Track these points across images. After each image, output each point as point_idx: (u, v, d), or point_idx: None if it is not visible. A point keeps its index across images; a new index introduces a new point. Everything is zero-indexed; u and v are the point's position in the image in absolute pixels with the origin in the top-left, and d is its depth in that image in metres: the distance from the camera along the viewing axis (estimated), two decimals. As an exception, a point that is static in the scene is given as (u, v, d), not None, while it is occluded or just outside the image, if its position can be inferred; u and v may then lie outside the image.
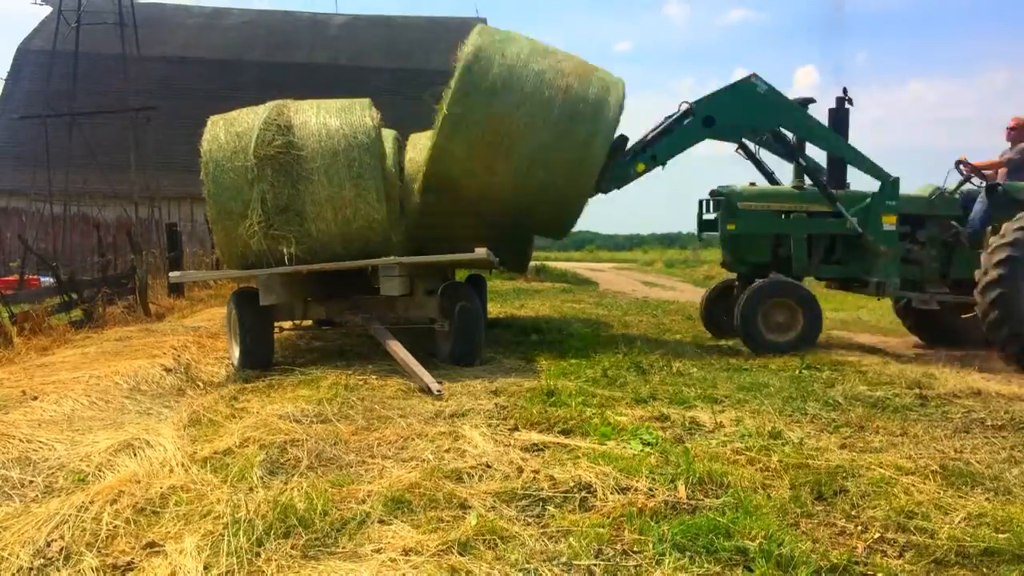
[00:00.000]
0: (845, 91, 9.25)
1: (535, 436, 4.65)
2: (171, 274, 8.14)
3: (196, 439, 4.79)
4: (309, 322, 10.08)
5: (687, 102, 8.72)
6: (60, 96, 23.05)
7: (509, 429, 4.85)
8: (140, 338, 9.29)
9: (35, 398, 5.89)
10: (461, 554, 3.04)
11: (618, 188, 8.92)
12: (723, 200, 9.18)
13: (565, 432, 4.76)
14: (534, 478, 3.87)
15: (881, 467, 4.07)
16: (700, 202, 9.63)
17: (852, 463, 4.14)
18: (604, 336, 9.43)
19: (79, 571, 2.98)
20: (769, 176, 9.50)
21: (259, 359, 7.27)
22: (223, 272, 9.67)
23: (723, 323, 9.67)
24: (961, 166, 9.03)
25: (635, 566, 2.96)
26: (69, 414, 5.53)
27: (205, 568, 2.94)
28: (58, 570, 3.00)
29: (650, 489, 3.68)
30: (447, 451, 4.37)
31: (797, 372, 7.13)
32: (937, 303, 8.89)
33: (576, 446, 4.41)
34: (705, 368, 7.29)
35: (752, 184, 9.45)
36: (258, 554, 3.05)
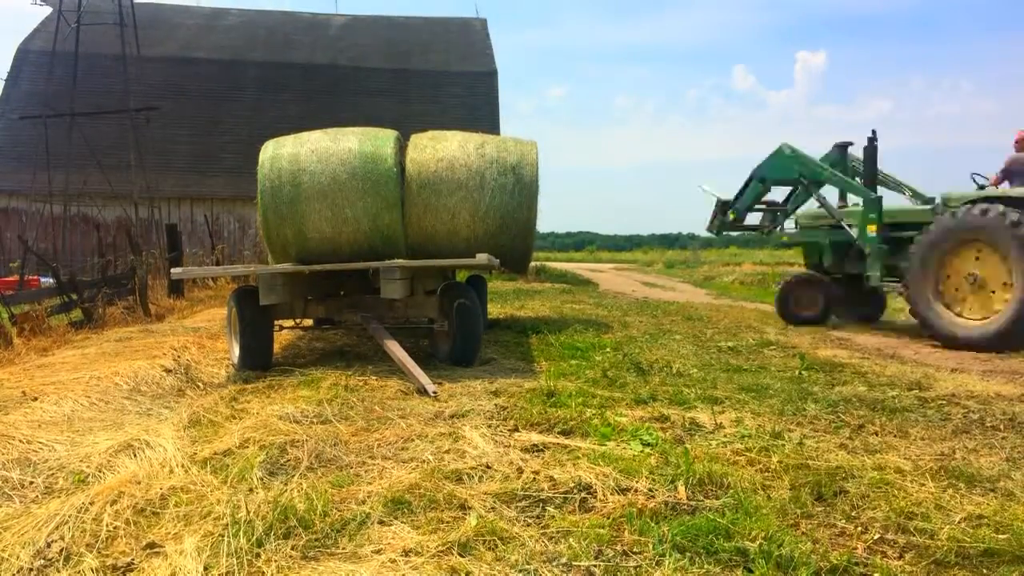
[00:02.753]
0: (873, 133, 11.55)
1: (535, 437, 4.66)
2: (173, 270, 8.22)
3: (196, 440, 4.79)
4: (309, 322, 10.08)
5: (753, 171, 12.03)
6: (60, 96, 23.05)
7: (509, 430, 4.85)
8: (140, 339, 9.30)
9: (35, 399, 5.89)
10: (461, 555, 3.04)
11: (725, 231, 12.76)
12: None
13: (565, 433, 4.77)
14: (534, 479, 3.87)
15: (881, 468, 4.07)
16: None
17: (852, 464, 4.14)
18: (604, 337, 9.42)
19: (79, 572, 2.98)
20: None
21: (259, 358, 7.27)
22: (225, 269, 9.69)
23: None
24: (977, 178, 10.49)
25: (635, 567, 2.96)
26: (69, 415, 5.53)
27: (205, 569, 2.94)
28: (58, 571, 3.00)
29: (650, 490, 3.68)
30: (447, 452, 4.37)
31: (797, 373, 7.13)
32: None
33: (576, 447, 4.41)
34: (705, 369, 7.29)
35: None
36: (258, 555, 3.05)
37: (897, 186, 11.82)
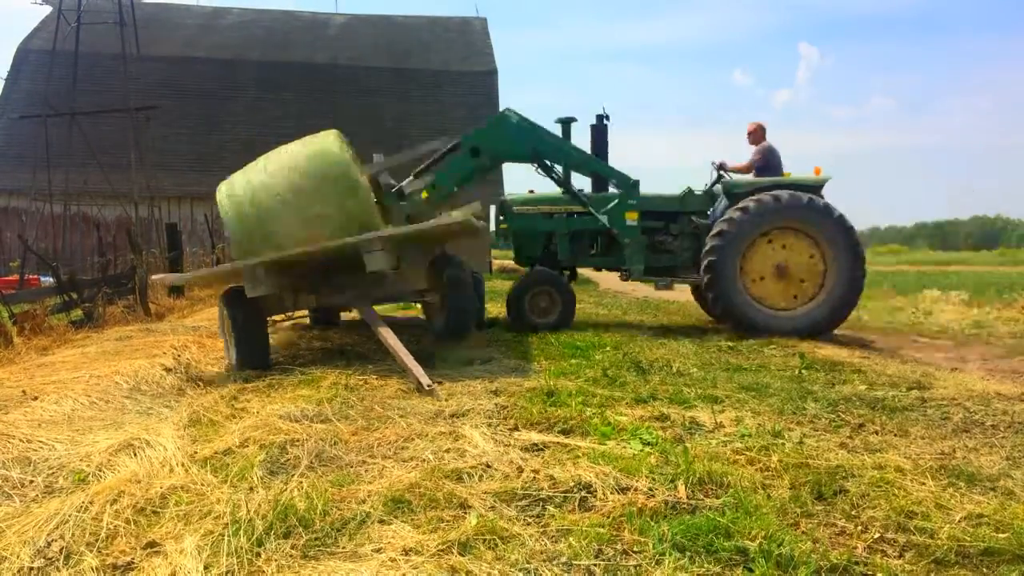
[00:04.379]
0: (604, 110, 10.89)
1: (535, 436, 4.65)
2: (153, 277, 8.11)
3: (196, 439, 4.79)
4: (307, 321, 10.05)
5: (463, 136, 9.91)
6: (60, 95, 23.05)
7: (509, 429, 4.85)
8: (140, 338, 9.30)
9: (35, 398, 5.89)
10: (461, 554, 3.04)
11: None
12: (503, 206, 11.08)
13: (565, 432, 4.76)
14: (534, 478, 3.87)
15: (881, 467, 4.07)
16: (497, 210, 11.29)
17: (852, 463, 4.14)
18: (604, 336, 9.42)
19: (79, 571, 2.98)
20: (562, 184, 10.58)
21: (256, 358, 7.20)
22: (206, 271, 9.67)
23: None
24: (716, 166, 10.53)
25: (635, 566, 2.96)
26: (69, 414, 5.52)
27: (205, 568, 2.94)
28: (58, 570, 3.00)
29: (650, 489, 3.68)
30: (447, 451, 4.37)
31: (797, 372, 7.13)
32: (689, 286, 11.10)
33: (576, 446, 4.41)
34: (705, 368, 7.29)
35: (531, 191, 11.25)
36: (258, 554, 3.05)
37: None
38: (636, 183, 10.32)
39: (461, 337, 7.17)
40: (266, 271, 7.18)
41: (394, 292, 8.16)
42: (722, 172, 10.54)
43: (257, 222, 7.66)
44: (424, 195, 9.51)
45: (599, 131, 10.87)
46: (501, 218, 11.13)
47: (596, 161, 10.55)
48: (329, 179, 7.73)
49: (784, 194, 9.72)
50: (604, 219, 10.32)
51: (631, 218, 10.27)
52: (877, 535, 3.25)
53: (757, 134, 10.76)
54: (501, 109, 10.35)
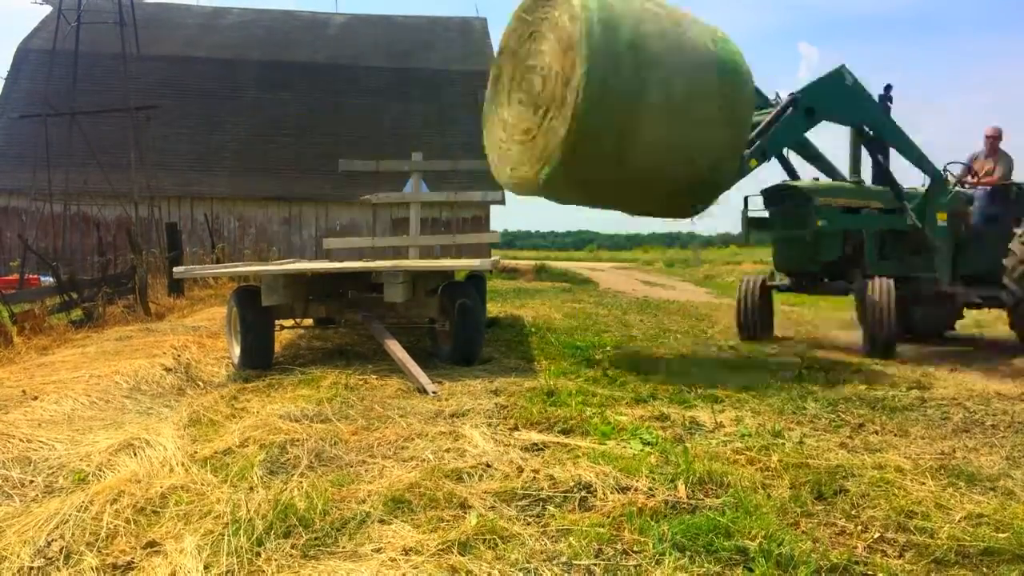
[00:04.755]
0: (887, 88, 8.96)
1: (535, 436, 4.66)
2: (176, 269, 8.15)
3: (196, 439, 4.79)
4: (309, 321, 10.06)
5: (791, 93, 7.99)
6: (60, 95, 23.03)
7: (509, 429, 4.85)
8: (140, 338, 9.29)
9: (35, 398, 5.89)
10: (461, 554, 3.04)
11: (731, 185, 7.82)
12: (799, 198, 8.61)
13: (565, 432, 4.77)
14: (534, 478, 3.87)
15: (881, 467, 4.07)
16: (745, 199, 8.95)
17: (852, 463, 4.14)
18: (604, 336, 9.42)
19: (79, 571, 2.98)
20: (792, 173, 9.12)
21: (260, 358, 7.27)
22: (227, 269, 9.71)
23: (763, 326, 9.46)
24: (954, 168, 9.47)
25: (635, 566, 2.96)
26: (69, 414, 5.52)
27: (205, 568, 2.94)
28: (58, 570, 3.00)
29: (650, 489, 3.68)
30: (447, 451, 4.37)
31: (797, 372, 7.13)
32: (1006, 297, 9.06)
33: (576, 446, 4.41)
34: (705, 368, 7.29)
35: (816, 179, 9.14)
36: (258, 554, 3.05)
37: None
38: (945, 178, 9.07)
39: (467, 364, 7.23)
40: (286, 284, 7.22)
41: (405, 318, 8.15)
42: (964, 175, 9.51)
43: (626, 106, 5.65)
44: (753, 163, 7.65)
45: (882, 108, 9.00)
46: (811, 215, 8.40)
47: (916, 147, 8.77)
48: (731, 115, 6.09)
49: None
50: (914, 217, 8.71)
51: (942, 218, 8.94)
52: (877, 535, 3.25)
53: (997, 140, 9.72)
54: (836, 67, 8.11)
